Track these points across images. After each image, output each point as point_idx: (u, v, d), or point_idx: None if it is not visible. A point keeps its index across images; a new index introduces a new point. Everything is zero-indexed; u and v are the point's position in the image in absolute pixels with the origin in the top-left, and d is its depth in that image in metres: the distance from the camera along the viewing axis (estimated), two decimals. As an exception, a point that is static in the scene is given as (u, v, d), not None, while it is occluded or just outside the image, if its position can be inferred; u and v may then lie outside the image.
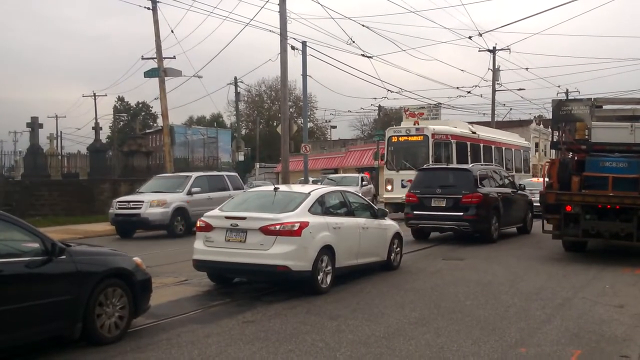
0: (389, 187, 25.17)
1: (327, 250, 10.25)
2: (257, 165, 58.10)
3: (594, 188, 13.49)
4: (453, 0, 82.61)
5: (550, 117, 15.80)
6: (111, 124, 79.39)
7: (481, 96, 50.75)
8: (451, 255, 14.57)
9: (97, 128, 38.21)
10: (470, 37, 37.19)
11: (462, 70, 62.40)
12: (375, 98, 32.13)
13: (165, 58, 25.55)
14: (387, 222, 12.64)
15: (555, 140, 15.52)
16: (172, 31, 26.80)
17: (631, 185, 13.16)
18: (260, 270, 9.87)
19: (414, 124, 26.13)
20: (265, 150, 71.81)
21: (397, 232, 12.81)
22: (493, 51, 42.64)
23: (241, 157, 44.84)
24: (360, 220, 11.62)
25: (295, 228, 9.75)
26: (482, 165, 20.56)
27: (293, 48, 26.45)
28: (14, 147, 69.31)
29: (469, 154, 26.75)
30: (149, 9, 24.81)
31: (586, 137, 14.62)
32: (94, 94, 63.52)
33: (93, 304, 6.96)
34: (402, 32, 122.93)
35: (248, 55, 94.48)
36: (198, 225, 10.58)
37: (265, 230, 9.70)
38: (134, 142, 35.76)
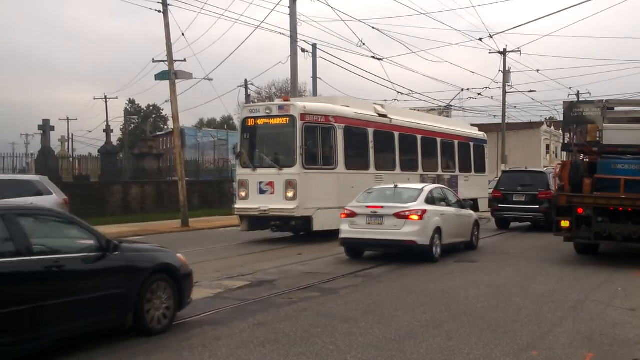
0: (243, 193, 17.97)
1: (438, 230, 13.79)
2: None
3: (606, 190, 13.41)
4: (463, 2, 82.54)
5: (562, 119, 15.77)
6: (122, 127, 79.63)
7: (492, 98, 50.79)
8: (463, 257, 14.53)
9: (108, 130, 38.43)
10: (480, 39, 37.12)
11: (472, 72, 62.26)
12: (385, 100, 32.33)
13: (176, 61, 25.59)
14: (470, 211, 16.22)
15: (566, 142, 15.47)
16: (183, 34, 27.14)
17: (643, 187, 13.06)
18: (394, 245, 13.59)
19: (283, 100, 18.84)
20: (276, 152, 71.68)
21: (476, 220, 16.33)
22: (504, 53, 42.50)
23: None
24: (454, 209, 15.06)
25: (419, 214, 13.38)
26: (552, 168, 23.55)
27: (303, 50, 26.54)
28: (25, 150, 69.68)
29: (370, 144, 19.73)
30: (160, 12, 24.90)
31: (598, 139, 14.55)
32: (105, 96, 63.73)
33: (142, 297, 7.46)
34: (412, 34, 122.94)
35: (258, 57, 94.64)
36: (344, 213, 14.09)
37: (398, 215, 13.37)
38: (145, 145, 35.92)
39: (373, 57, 29.87)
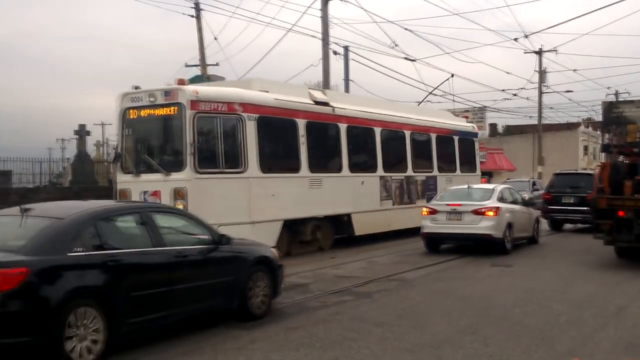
0: None
1: (509, 225, 15.57)
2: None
3: (648, 192, 13.06)
4: (497, 1, 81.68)
5: (600, 120, 15.48)
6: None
7: (528, 99, 49.95)
8: (499, 261, 14.29)
9: (142, 135, 38.71)
10: (515, 39, 36.73)
11: (507, 73, 61.44)
12: (418, 102, 31.92)
13: (208, 65, 25.85)
14: (531, 209, 17.84)
15: (606, 143, 15.15)
16: (216, 38, 27.44)
17: (687, 189, 12.70)
18: (472, 237, 15.36)
19: (177, 83, 14.03)
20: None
21: (538, 217, 18.33)
22: (539, 53, 41.90)
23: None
24: (519, 206, 16.76)
25: (494, 210, 15.16)
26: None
27: (335, 53, 26.43)
28: (62, 155, 70.82)
29: (301, 140, 15.59)
30: (192, 16, 25.16)
31: (638, 139, 14.20)
32: (140, 101, 64.25)
33: (246, 285, 8.41)
34: (446, 34, 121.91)
35: (290, 60, 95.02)
36: (426, 210, 15.89)
37: (475, 212, 15.14)
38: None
39: (406, 59, 29.68)
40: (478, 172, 24.10)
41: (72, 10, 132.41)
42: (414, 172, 19.97)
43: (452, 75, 30.14)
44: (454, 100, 33.39)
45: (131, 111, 14.03)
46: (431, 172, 20.73)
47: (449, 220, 15.42)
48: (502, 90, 42.57)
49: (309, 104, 16.12)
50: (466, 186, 16.91)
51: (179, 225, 8.19)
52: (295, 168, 15.50)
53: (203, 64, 25.14)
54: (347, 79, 28.63)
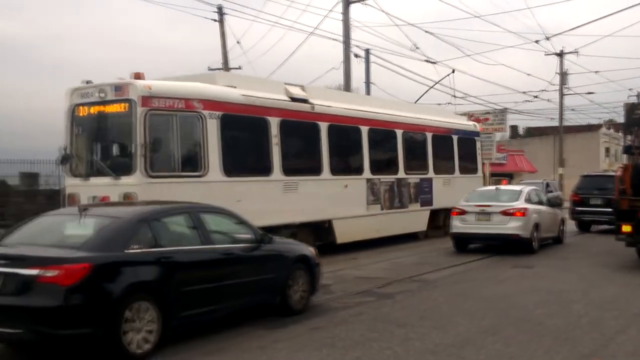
0: None
1: (536, 226, 15.98)
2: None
3: (671, 194, 12.99)
4: (518, 3, 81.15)
5: (622, 122, 15.46)
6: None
7: (549, 101, 49.68)
8: (522, 262, 14.30)
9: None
10: (537, 41, 36.33)
11: (528, 75, 60.93)
12: (439, 104, 31.78)
13: (231, 69, 26.04)
14: (557, 210, 18.51)
15: (627, 144, 15.09)
16: (238, 42, 27.67)
17: None
18: (501, 237, 15.78)
19: (134, 77, 12.40)
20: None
21: (562, 218, 18.69)
22: (560, 55, 41.63)
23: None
24: (545, 207, 17.22)
25: (522, 211, 15.60)
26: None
27: (356, 56, 26.53)
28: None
29: (273, 140, 14.22)
30: (216, 21, 25.39)
31: (661, 141, 14.15)
32: (162, 104, 64.81)
33: (287, 281, 8.82)
34: (466, 37, 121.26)
35: (312, 63, 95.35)
36: (455, 211, 16.35)
37: (504, 213, 15.60)
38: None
39: (427, 61, 29.69)
40: (479, 173, 22.95)
41: (91, 14, 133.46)
42: (407, 174, 18.62)
43: (453, 71, 29.09)
44: (454, 96, 32.96)
45: (80, 108, 12.78)
46: (426, 174, 19.46)
47: (478, 221, 15.85)
48: (523, 92, 42.40)
49: (283, 101, 14.69)
50: (494, 187, 17.76)
51: (225, 225, 8.56)
52: (267, 171, 14.14)
53: (226, 67, 25.37)
54: (368, 82, 28.73)
